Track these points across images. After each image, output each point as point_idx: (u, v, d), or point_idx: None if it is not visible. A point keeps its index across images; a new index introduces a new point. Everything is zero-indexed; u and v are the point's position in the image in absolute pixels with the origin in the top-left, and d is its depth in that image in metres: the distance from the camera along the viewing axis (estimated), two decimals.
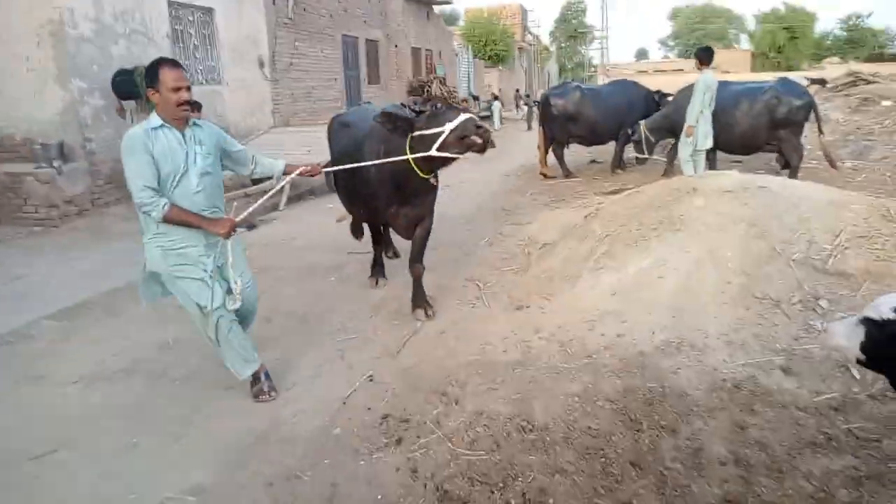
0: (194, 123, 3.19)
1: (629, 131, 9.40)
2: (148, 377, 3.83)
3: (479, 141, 3.56)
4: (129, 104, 8.10)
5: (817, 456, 2.61)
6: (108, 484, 2.78)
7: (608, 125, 9.64)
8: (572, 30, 66.81)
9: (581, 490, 2.54)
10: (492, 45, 34.51)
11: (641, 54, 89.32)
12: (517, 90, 34.66)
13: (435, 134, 3.63)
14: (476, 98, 25.29)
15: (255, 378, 3.48)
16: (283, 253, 6.58)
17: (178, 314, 4.00)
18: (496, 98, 23.53)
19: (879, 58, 43.30)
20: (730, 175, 5.23)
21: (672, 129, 8.77)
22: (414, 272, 4.50)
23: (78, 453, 3.03)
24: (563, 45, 67.47)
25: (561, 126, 9.77)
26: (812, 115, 8.21)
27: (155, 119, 3.05)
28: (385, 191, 4.17)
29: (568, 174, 9.90)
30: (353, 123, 4.64)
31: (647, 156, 9.17)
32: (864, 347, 1.89)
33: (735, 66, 42.38)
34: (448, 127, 3.57)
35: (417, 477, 2.72)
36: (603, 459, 2.69)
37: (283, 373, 3.74)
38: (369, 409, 3.31)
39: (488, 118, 20.76)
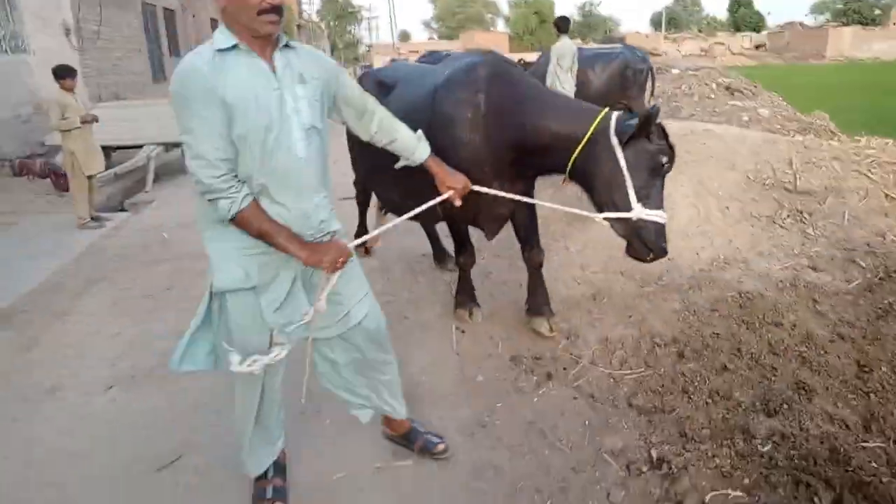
0: (286, 45, 1.88)
1: None
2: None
3: (637, 257, 2.62)
4: None
5: (890, 323, 3.25)
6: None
7: None
8: (339, 8, 66.59)
9: (751, 381, 2.81)
10: None
11: (405, 36, 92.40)
12: None
13: (623, 183, 2.48)
14: None
15: None
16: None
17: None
18: None
19: (610, 40, 50.82)
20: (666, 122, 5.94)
21: None
22: (536, 260, 3.33)
23: (212, 455, 2.50)
24: (332, 23, 66.89)
25: None
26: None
27: (221, 37, 1.78)
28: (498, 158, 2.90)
29: None
30: (413, 75, 3.46)
31: None
32: None
33: (495, 46, 46.19)
34: (637, 213, 2.47)
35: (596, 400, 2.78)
36: (749, 355, 3.02)
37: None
38: (490, 355, 3.22)
39: None
